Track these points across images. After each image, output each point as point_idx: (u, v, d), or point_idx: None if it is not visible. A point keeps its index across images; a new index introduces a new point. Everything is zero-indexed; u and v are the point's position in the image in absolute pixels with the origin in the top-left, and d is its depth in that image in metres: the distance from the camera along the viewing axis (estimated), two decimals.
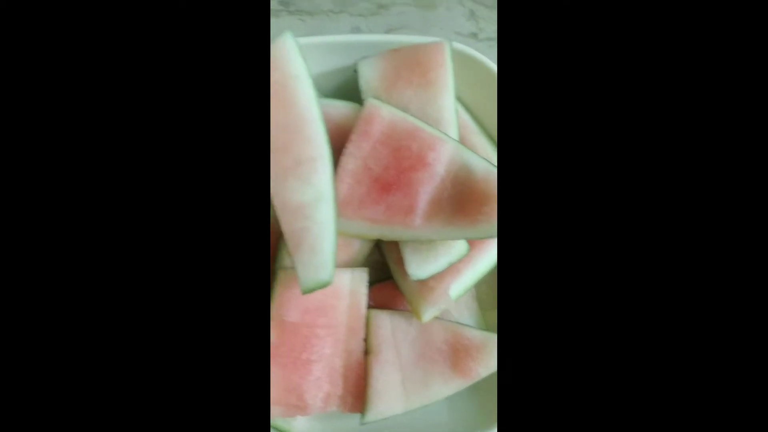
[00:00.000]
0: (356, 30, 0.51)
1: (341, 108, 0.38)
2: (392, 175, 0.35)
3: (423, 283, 0.36)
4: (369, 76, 0.39)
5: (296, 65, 0.34)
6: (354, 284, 0.36)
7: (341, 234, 0.34)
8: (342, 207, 0.35)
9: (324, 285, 0.32)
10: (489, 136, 0.40)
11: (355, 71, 0.39)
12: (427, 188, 0.34)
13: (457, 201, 0.33)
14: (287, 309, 0.33)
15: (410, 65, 0.37)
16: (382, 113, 0.36)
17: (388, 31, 0.51)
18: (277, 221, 0.37)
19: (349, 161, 0.35)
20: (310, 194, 0.33)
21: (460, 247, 0.36)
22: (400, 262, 0.38)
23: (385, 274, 0.39)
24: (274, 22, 0.51)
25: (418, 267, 0.35)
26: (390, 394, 0.34)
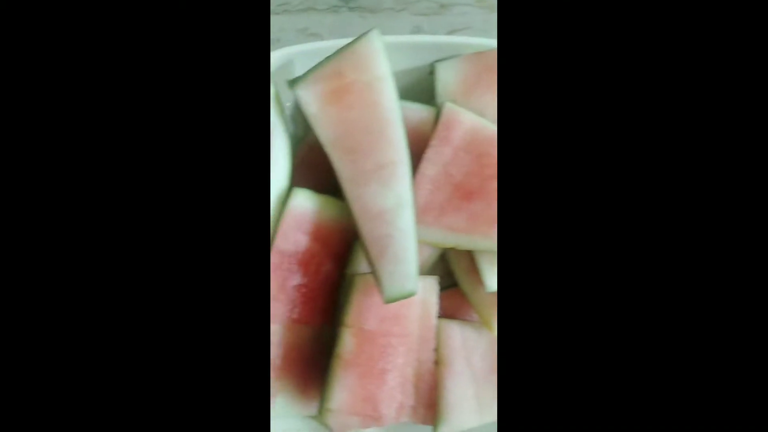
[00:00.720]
0: (417, 29, 0.50)
1: (418, 111, 0.37)
2: (474, 182, 0.34)
3: (496, 295, 0.35)
4: (447, 80, 0.37)
5: (382, 66, 0.33)
6: (425, 293, 0.35)
7: (419, 241, 0.33)
8: (421, 214, 0.34)
9: (409, 295, 0.31)
10: None
11: (431, 73, 0.38)
12: None
13: None
14: (366, 317, 0.32)
15: (492, 70, 0.36)
16: (462, 119, 0.35)
17: (450, 32, 0.50)
18: (346, 223, 0.36)
19: (429, 167, 0.34)
20: (392, 200, 0.32)
21: None
22: (471, 271, 0.37)
23: (448, 281, 0.38)
24: (334, 18, 0.50)
25: (495, 277, 0.35)
26: (463, 408, 0.33)
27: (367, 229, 0.32)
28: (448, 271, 0.38)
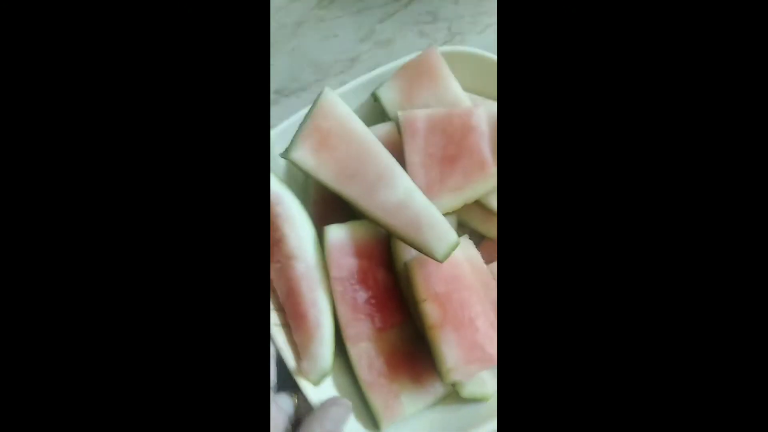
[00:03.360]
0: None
1: (382, 129, 0.46)
2: (452, 149, 0.42)
3: None
4: (389, 97, 0.47)
5: (342, 108, 0.42)
6: (465, 251, 0.41)
7: None
8: (428, 192, 0.41)
9: (455, 245, 0.37)
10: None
11: (375, 99, 0.48)
12: (484, 144, 0.41)
13: None
14: (433, 285, 0.38)
15: (418, 72, 0.46)
16: (417, 114, 0.44)
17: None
18: (377, 234, 0.43)
19: (412, 157, 0.42)
20: (402, 191, 0.40)
21: None
22: (486, 218, 0.44)
23: (475, 241, 0.45)
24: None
25: None
26: None
27: (395, 222, 0.39)
28: (471, 233, 0.44)
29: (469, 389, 0.38)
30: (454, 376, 0.35)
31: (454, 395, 0.39)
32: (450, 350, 0.36)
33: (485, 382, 0.38)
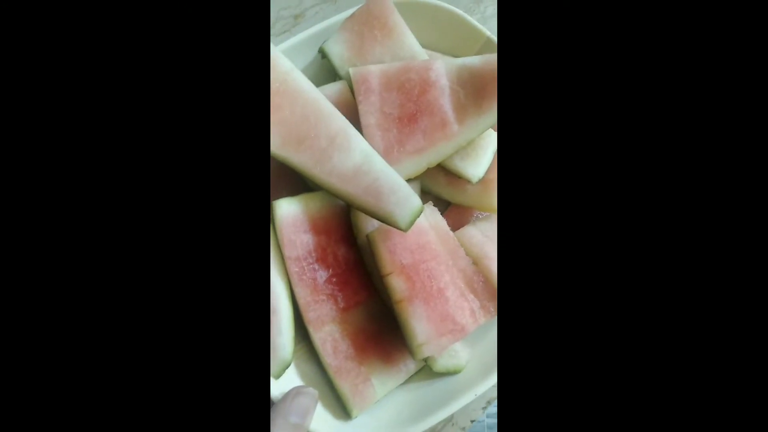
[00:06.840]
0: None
1: (332, 89, 0.41)
2: (411, 107, 0.38)
3: (483, 181, 0.39)
4: (337, 52, 0.42)
5: (284, 62, 0.36)
6: (430, 218, 0.38)
7: None
8: (386, 156, 0.37)
9: (419, 210, 0.34)
10: (451, 55, 0.45)
11: (323, 55, 0.43)
12: (444, 100, 0.38)
13: (472, 94, 0.37)
14: (399, 256, 0.34)
15: (367, 23, 0.42)
16: (369, 70, 0.39)
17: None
18: (334, 206, 0.39)
19: (368, 118, 0.38)
20: (358, 155, 0.35)
21: (493, 136, 0.40)
22: (450, 181, 0.41)
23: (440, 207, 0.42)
24: None
25: (475, 167, 0.39)
26: None
27: (353, 190, 0.35)
28: (436, 201, 0.41)
29: (441, 363, 0.36)
30: (426, 351, 0.33)
31: (425, 370, 0.37)
32: (420, 324, 0.33)
33: (457, 353, 0.36)
